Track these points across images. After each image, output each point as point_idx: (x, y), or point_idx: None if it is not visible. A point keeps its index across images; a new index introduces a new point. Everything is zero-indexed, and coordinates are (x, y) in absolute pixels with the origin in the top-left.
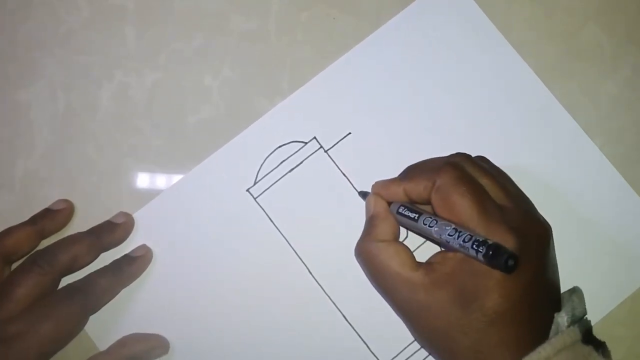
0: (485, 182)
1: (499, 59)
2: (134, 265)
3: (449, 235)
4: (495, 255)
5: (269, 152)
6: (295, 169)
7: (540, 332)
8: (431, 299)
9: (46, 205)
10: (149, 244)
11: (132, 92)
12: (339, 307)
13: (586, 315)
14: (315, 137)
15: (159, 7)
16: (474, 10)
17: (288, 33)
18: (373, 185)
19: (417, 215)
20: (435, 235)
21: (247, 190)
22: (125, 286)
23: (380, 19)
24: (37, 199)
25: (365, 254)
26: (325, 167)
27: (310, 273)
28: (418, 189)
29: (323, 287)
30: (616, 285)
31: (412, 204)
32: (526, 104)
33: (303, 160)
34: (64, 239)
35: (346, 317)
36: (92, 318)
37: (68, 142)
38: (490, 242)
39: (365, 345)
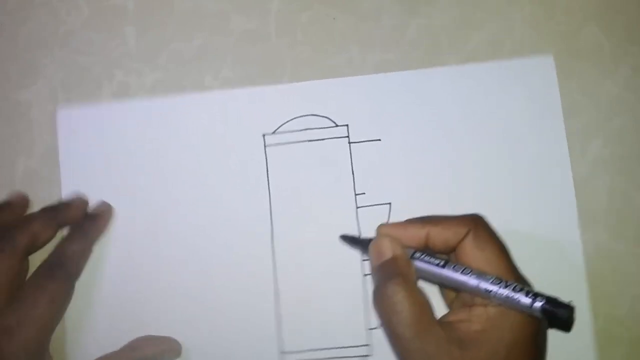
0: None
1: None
2: (97, 222)
3: (491, 283)
4: (557, 307)
5: (302, 114)
6: (313, 142)
7: None
8: (465, 356)
9: (46, 205)
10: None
11: (132, 92)
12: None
13: None
14: (347, 125)
15: (159, 7)
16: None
17: (288, 33)
18: (381, 227)
19: (443, 262)
20: (470, 284)
21: (263, 135)
22: (95, 243)
23: (380, 19)
24: (37, 199)
25: (395, 296)
26: (340, 156)
27: (273, 250)
28: (447, 233)
29: (277, 267)
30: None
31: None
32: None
33: (325, 139)
34: (18, 219)
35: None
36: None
37: None
38: (546, 294)
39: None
